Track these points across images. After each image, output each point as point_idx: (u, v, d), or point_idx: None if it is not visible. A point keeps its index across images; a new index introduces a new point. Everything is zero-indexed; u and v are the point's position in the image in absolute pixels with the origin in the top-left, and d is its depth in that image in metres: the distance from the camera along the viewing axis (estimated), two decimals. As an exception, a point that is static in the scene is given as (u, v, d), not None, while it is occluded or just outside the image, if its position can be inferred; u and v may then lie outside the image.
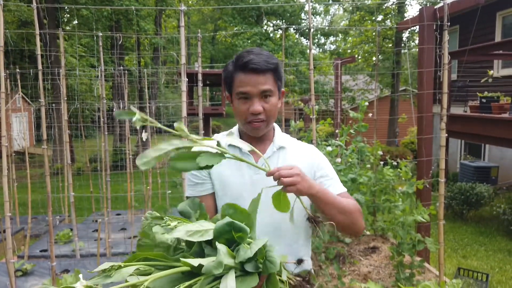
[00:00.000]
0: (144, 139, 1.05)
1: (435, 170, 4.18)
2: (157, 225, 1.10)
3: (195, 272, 0.96)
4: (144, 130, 1.04)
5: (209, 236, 1.04)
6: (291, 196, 1.16)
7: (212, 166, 1.04)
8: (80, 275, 0.90)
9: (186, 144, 1.01)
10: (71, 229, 5.22)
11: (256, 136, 1.37)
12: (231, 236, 1.04)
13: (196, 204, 1.19)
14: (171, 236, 1.05)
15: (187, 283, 0.94)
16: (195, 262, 0.94)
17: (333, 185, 1.39)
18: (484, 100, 5.87)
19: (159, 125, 1.02)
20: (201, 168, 1.02)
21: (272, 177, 1.29)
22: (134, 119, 0.95)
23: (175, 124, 1.00)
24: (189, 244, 1.06)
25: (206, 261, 0.94)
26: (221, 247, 0.96)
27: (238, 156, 1.35)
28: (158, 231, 1.08)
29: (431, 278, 3.66)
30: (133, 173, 6.10)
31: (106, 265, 0.93)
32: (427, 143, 3.73)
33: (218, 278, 0.96)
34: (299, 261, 1.23)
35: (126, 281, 0.91)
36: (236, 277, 0.97)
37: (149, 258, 1.01)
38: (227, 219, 1.04)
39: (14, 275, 2.97)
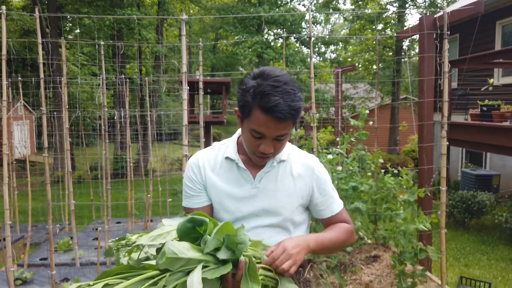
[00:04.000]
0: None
1: (436, 178, 4.17)
2: (122, 245, 1.15)
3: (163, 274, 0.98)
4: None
5: (172, 236, 1.04)
6: None
7: None
8: None
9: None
10: (71, 238, 5.20)
11: None
12: (197, 233, 1.05)
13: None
14: (136, 245, 1.08)
15: (152, 281, 0.96)
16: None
17: (331, 205, 1.42)
18: (484, 108, 5.87)
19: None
20: None
21: (272, 192, 1.34)
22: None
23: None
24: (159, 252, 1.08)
25: None
26: (179, 243, 0.98)
27: (234, 170, 1.35)
28: (123, 250, 1.14)
29: (433, 287, 3.64)
30: (133, 181, 6.10)
31: (74, 286, 0.95)
32: (428, 151, 3.73)
33: (187, 274, 0.97)
34: None
35: None
36: (210, 269, 0.99)
37: (120, 272, 1.02)
38: (188, 217, 1.04)
39: (13, 283, 2.95)
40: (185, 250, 0.98)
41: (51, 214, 3.16)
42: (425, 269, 3.38)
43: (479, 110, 6.03)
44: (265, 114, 1.15)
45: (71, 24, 17.23)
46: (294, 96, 1.17)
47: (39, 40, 3.10)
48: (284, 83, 1.17)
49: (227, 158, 1.36)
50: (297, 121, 1.23)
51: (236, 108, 1.30)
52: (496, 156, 9.01)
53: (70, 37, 17.61)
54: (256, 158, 1.29)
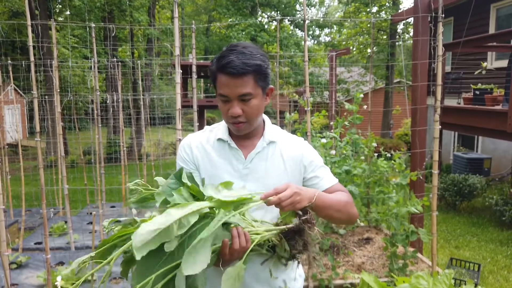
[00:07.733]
0: None
1: (428, 161, 4.21)
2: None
3: None
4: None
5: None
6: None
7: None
8: (58, 278, 0.93)
9: None
10: (66, 222, 5.21)
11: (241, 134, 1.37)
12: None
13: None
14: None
15: None
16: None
17: (325, 178, 1.42)
18: (477, 92, 5.89)
19: None
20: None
21: (262, 173, 1.35)
22: None
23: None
24: None
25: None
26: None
27: (226, 150, 1.35)
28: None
29: (424, 268, 3.71)
30: (127, 165, 6.08)
31: (76, 262, 0.96)
32: (421, 135, 3.75)
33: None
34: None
35: None
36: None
37: (120, 236, 1.06)
38: (177, 173, 1.20)
39: (8, 267, 2.96)
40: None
41: (45, 198, 3.16)
42: (416, 251, 3.44)
43: (472, 94, 6.04)
44: (222, 73, 1.23)
45: (61, 6, 16.88)
46: (251, 56, 1.22)
47: (29, 22, 3.03)
48: (243, 47, 1.24)
49: (219, 139, 1.40)
50: (258, 79, 1.25)
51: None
52: (488, 140, 9.08)
53: (60, 19, 17.27)
54: (232, 126, 1.32)
